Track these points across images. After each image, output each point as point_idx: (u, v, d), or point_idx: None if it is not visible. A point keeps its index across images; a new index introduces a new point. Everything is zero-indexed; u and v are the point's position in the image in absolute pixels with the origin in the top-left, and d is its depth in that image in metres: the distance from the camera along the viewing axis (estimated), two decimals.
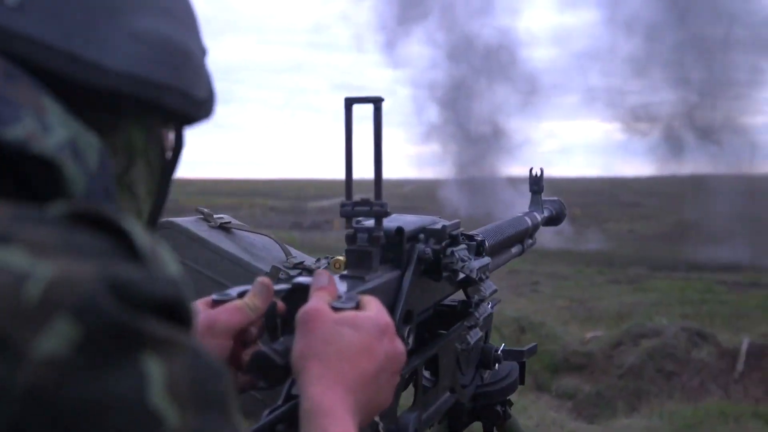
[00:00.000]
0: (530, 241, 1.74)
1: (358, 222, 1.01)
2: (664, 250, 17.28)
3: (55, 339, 0.42)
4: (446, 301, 1.24)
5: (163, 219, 1.75)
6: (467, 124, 25.86)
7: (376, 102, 0.96)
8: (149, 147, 0.71)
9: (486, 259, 1.23)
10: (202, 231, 1.77)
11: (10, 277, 0.43)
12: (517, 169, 26.05)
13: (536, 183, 1.87)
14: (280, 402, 0.88)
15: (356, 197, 0.99)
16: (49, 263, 0.44)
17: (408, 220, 1.09)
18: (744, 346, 7.04)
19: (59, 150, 0.55)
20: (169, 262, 0.51)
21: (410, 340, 1.04)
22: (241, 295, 0.93)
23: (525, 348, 1.44)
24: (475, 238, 1.25)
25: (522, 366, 1.48)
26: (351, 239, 1.00)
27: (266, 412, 0.86)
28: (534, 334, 7.47)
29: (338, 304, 0.83)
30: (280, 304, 0.93)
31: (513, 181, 22.64)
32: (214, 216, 1.85)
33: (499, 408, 1.45)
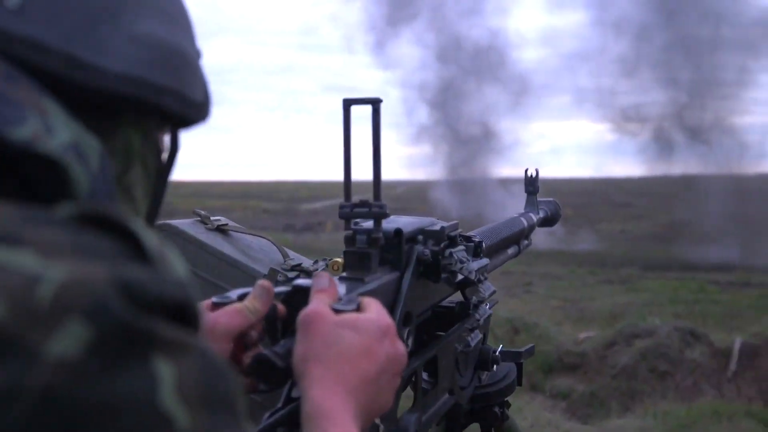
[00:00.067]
0: (526, 242, 1.74)
1: (356, 223, 1.01)
2: (656, 250, 17.35)
3: (67, 341, 0.42)
4: (444, 303, 1.24)
5: (160, 221, 1.75)
6: (457, 125, 25.91)
7: (375, 103, 0.96)
8: (146, 149, 0.71)
9: (484, 261, 1.23)
10: (200, 233, 1.77)
11: (22, 280, 0.43)
12: (507, 170, 26.15)
13: (531, 184, 1.87)
14: (280, 405, 0.88)
15: (355, 198, 0.99)
16: (60, 265, 0.44)
17: (406, 222, 1.09)
18: (737, 346, 7.07)
19: (64, 151, 0.55)
20: (176, 264, 0.51)
21: (410, 342, 1.03)
22: (241, 297, 0.92)
23: (523, 349, 1.44)
24: (473, 239, 1.25)
25: (519, 367, 1.48)
26: (350, 241, 1.00)
27: (267, 415, 0.86)
28: (528, 334, 7.48)
29: (339, 306, 0.83)
30: (281, 307, 0.92)
31: (504, 182, 22.72)
32: (211, 218, 1.84)
33: (497, 409, 1.45)
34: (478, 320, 1.25)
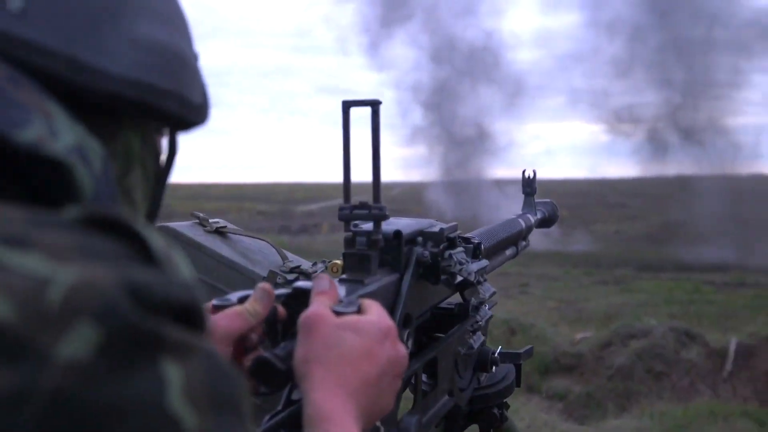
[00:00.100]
0: (524, 243, 1.74)
1: (355, 225, 1.01)
2: (650, 251, 17.39)
3: (77, 343, 0.42)
4: (443, 304, 1.24)
5: (159, 224, 1.75)
6: (452, 127, 25.92)
7: (374, 105, 0.96)
8: (145, 152, 0.71)
9: (484, 262, 1.23)
10: (198, 236, 1.77)
11: (32, 282, 0.43)
12: (502, 171, 26.18)
13: (529, 185, 1.87)
14: (280, 407, 0.88)
15: (354, 200, 0.99)
16: (69, 268, 0.45)
17: (405, 223, 1.09)
18: (732, 346, 7.08)
19: (69, 153, 0.55)
20: (182, 266, 0.51)
21: (409, 344, 1.03)
22: (242, 300, 0.92)
23: (522, 350, 1.44)
24: (472, 240, 1.25)
25: (518, 368, 1.48)
26: (349, 243, 1.00)
27: (267, 417, 0.86)
28: (524, 335, 7.49)
29: (340, 309, 0.83)
30: (281, 309, 0.92)
31: (498, 183, 22.74)
32: (210, 220, 1.84)
33: (496, 410, 1.45)
34: (479, 322, 1.25)
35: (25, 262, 0.44)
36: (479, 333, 1.26)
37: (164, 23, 0.68)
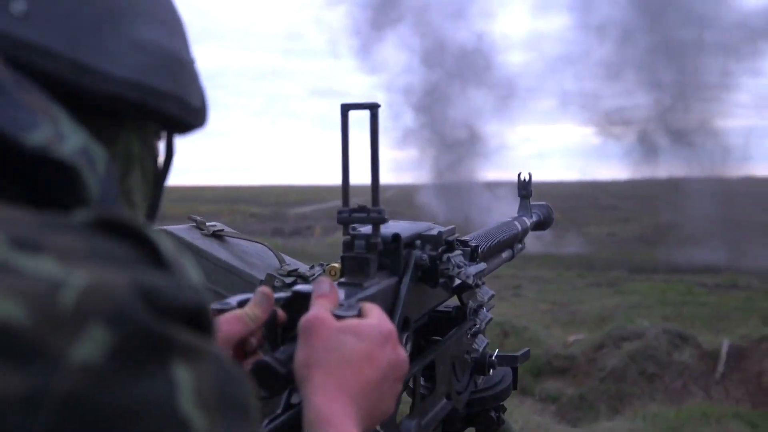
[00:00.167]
0: (520, 245, 1.74)
1: (354, 228, 1.01)
2: (642, 253, 17.44)
3: (89, 346, 0.43)
4: (440, 308, 1.24)
5: (156, 227, 1.74)
6: (443, 129, 25.95)
7: (373, 108, 0.96)
8: (144, 154, 0.72)
9: (482, 265, 1.23)
10: (196, 239, 1.76)
11: (45, 286, 0.43)
12: (493, 173, 26.22)
13: (525, 188, 1.87)
14: (279, 411, 0.87)
15: (353, 204, 0.99)
16: (82, 271, 0.45)
17: (404, 227, 1.09)
18: (724, 348, 7.11)
19: (76, 156, 0.56)
20: (190, 270, 0.51)
21: (408, 347, 1.03)
22: (241, 304, 0.92)
23: (519, 353, 1.44)
24: (470, 243, 1.25)
25: (515, 371, 1.48)
26: (348, 246, 1.00)
27: (266, 421, 0.86)
28: (517, 338, 7.50)
29: (340, 312, 0.83)
30: (281, 313, 0.92)
31: (490, 186, 22.78)
32: (207, 224, 1.83)
33: (493, 414, 1.45)
34: (480, 325, 1.25)
35: (37, 265, 0.44)
36: (481, 336, 1.26)
37: (162, 27, 0.69)
